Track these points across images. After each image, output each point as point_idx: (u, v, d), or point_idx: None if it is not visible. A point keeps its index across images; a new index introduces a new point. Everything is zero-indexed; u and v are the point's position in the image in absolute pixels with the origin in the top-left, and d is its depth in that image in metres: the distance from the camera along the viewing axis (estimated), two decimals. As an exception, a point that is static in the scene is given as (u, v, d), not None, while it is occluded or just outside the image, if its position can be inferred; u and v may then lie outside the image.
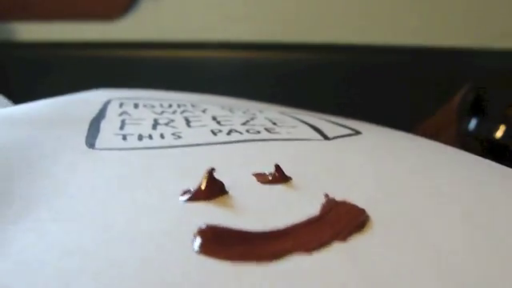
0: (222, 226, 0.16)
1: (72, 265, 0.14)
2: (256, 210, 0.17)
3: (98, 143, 0.24)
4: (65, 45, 0.68)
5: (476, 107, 0.45)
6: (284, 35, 0.65)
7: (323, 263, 0.14)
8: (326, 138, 0.26)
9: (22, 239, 0.15)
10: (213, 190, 0.18)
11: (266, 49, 0.66)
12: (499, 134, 0.42)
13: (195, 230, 0.16)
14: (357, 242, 0.16)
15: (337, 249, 0.15)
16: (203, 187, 0.18)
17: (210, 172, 0.18)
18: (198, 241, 0.15)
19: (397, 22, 0.63)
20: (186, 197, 0.18)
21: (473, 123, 0.44)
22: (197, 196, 0.18)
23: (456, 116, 0.46)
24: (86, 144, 0.24)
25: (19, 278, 0.13)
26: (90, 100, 0.33)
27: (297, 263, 0.14)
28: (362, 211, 0.17)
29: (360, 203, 0.18)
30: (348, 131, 0.28)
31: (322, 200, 0.18)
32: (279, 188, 0.19)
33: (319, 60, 0.64)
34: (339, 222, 0.16)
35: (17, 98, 0.46)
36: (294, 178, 0.20)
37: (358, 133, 0.28)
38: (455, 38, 0.61)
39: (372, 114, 0.45)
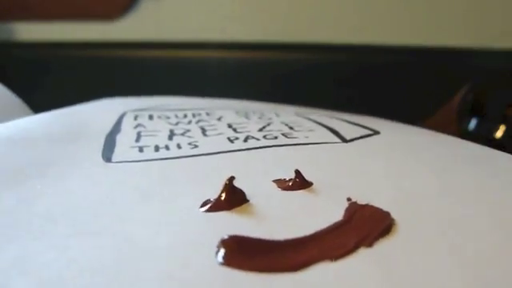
0: (245, 236, 0.16)
1: (94, 282, 0.14)
2: (278, 217, 0.17)
3: (115, 157, 0.24)
4: (65, 45, 0.68)
5: (476, 107, 0.45)
6: (283, 35, 0.65)
7: (350, 271, 0.14)
8: (344, 140, 0.26)
9: (43, 256, 0.15)
10: (233, 199, 0.18)
11: (265, 49, 0.65)
12: (499, 133, 0.42)
13: (218, 241, 0.15)
14: (383, 247, 0.15)
15: (363, 255, 0.15)
16: (224, 197, 0.18)
17: (230, 181, 0.18)
18: (222, 252, 0.15)
19: (397, 21, 0.63)
20: (207, 207, 0.18)
21: (473, 123, 0.44)
22: (218, 206, 0.18)
23: (456, 116, 0.46)
24: (103, 158, 0.24)
25: None
26: (104, 112, 0.33)
27: (323, 272, 0.14)
28: (387, 214, 0.17)
29: (384, 206, 0.17)
30: (366, 131, 0.28)
31: (345, 204, 0.18)
32: (301, 194, 0.19)
33: (318, 60, 0.64)
34: (364, 226, 0.16)
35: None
36: (314, 183, 0.20)
37: (376, 132, 0.27)
38: (455, 38, 0.61)
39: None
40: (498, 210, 0.18)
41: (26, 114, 0.38)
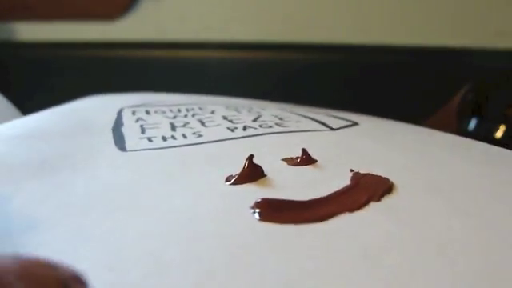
0: (274, 198, 0.19)
1: (154, 243, 0.16)
2: (295, 186, 0.20)
3: (129, 146, 0.26)
4: (65, 45, 0.69)
5: (476, 107, 0.45)
6: (284, 35, 0.65)
7: (365, 219, 0.18)
8: (331, 128, 0.29)
9: (100, 226, 0.18)
10: (254, 173, 0.21)
11: (265, 49, 0.66)
12: (499, 134, 0.43)
13: (251, 204, 0.19)
14: (389, 201, 0.19)
15: (374, 207, 0.18)
16: (246, 171, 0.21)
17: (251, 158, 0.21)
18: (257, 211, 0.18)
19: (396, 21, 0.63)
20: (232, 181, 0.21)
21: (473, 123, 0.45)
22: (241, 179, 0.21)
23: (456, 116, 0.46)
24: (118, 148, 0.26)
25: (108, 255, 0.16)
26: (103, 108, 0.35)
27: (344, 221, 0.17)
28: (387, 179, 0.20)
29: (381, 175, 0.21)
30: (347, 122, 0.31)
31: (349, 175, 0.21)
32: (309, 169, 0.22)
33: (318, 60, 0.65)
34: (370, 187, 0.20)
35: (17, 97, 0.46)
36: (318, 160, 0.23)
37: (355, 123, 0.31)
38: (455, 38, 0.61)
39: (371, 114, 0.44)
40: (485, 171, 0.22)
41: (16, 117, 0.38)
